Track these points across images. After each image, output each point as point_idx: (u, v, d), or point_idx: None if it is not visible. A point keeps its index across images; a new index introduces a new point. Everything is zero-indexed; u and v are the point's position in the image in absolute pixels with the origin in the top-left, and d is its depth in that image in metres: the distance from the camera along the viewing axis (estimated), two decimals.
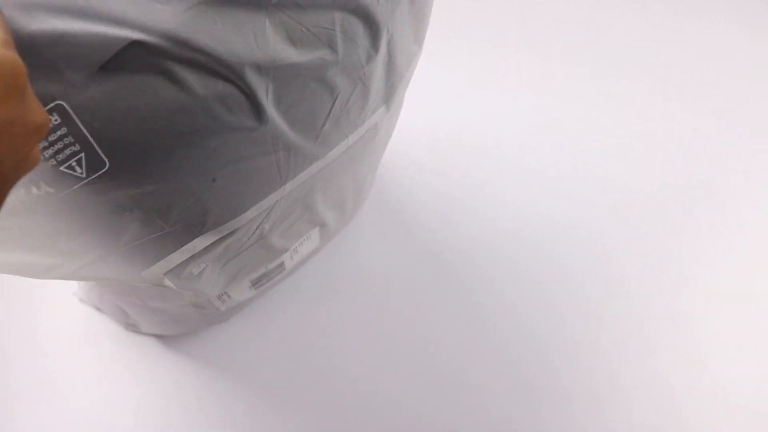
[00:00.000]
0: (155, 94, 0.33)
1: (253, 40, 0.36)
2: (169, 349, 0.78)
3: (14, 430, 0.71)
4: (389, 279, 0.82)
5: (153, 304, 0.64)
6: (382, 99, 0.48)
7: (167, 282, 0.46)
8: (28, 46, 0.27)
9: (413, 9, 0.46)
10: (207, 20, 0.34)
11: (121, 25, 0.30)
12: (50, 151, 0.31)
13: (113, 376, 0.75)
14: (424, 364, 0.77)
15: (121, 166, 0.34)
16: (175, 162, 0.36)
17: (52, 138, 0.31)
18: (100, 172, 0.34)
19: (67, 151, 0.32)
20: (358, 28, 0.40)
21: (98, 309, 0.77)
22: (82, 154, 0.32)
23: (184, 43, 0.33)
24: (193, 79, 0.34)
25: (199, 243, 0.44)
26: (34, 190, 0.33)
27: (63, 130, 0.31)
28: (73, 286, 0.77)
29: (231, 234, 0.45)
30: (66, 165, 0.32)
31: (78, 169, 0.33)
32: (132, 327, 0.76)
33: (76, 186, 0.33)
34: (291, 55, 0.38)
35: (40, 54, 0.28)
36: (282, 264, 0.63)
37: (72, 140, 0.31)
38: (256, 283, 0.64)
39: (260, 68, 0.37)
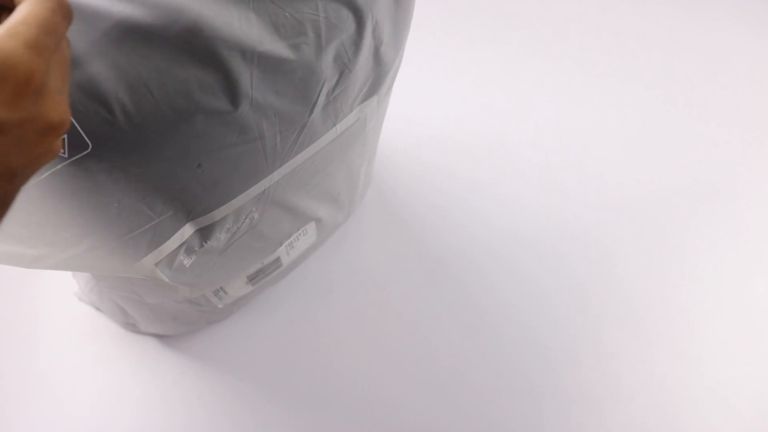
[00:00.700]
0: (138, 77, 0.34)
1: (237, 26, 0.37)
2: (169, 348, 0.78)
3: (14, 430, 0.71)
4: (389, 277, 0.82)
5: (150, 300, 0.64)
6: (371, 88, 0.48)
7: (159, 273, 0.46)
8: None
9: None
10: (191, 3, 0.34)
11: (106, 3, 0.31)
12: None
13: (113, 375, 0.75)
14: (423, 362, 0.77)
15: (105, 149, 0.35)
16: (159, 146, 0.37)
17: None
18: (83, 153, 0.34)
19: None
20: (343, 15, 0.41)
21: (98, 308, 0.77)
22: (65, 134, 0.33)
23: (168, 26, 0.33)
24: (176, 62, 0.35)
25: (188, 230, 0.44)
26: None
27: None
28: (73, 285, 0.78)
29: (220, 222, 0.46)
30: None
31: (60, 148, 0.33)
32: (131, 326, 0.76)
33: (59, 166, 0.33)
34: (275, 41, 0.39)
35: None
36: (278, 259, 0.63)
37: None
38: (252, 279, 0.64)
39: (244, 54, 0.37)
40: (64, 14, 0.24)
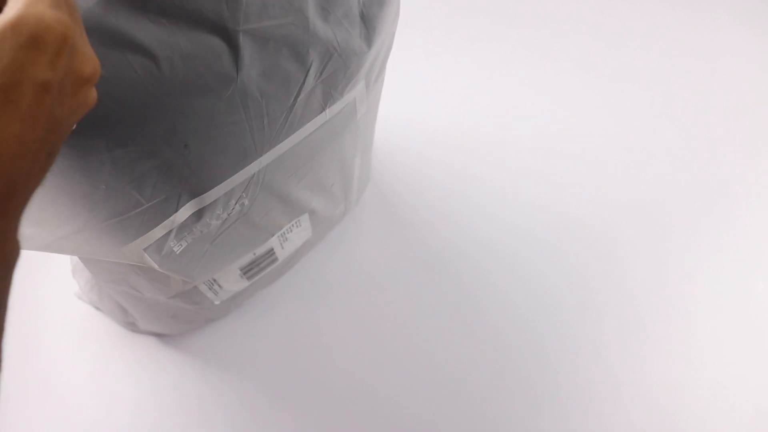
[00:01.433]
0: (121, 52, 0.34)
1: (224, 2, 0.37)
2: (169, 348, 0.78)
3: (13, 429, 0.72)
4: (388, 275, 0.82)
5: (147, 294, 0.64)
6: (361, 73, 0.49)
7: (147, 259, 0.46)
8: None
9: None
10: None
11: None
12: None
13: (113, 374, 0.75)
14: (423, 361, 0.76)
15: (89, 125, 0.35)
16: (144, 124, 0.37)
17: None
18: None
19: None
20: None
21: (98, 308, 0.78)
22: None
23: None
24: (159, 37, 0.35)
25: (178, 217, 0.44)
26: None
27: None
28: (73, 285, 0.78)
29: (209, 207, 0.46)
30: None
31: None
32: (131, 325, 0.77)
33: None
34: (262, 18, 0.39)
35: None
36: (272, 251, 0.63)
37: None
38: (247, 272, 0.64)
39: (229, 30, 0.38)
40: None
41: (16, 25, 0.22)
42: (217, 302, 0.69)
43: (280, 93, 0.43)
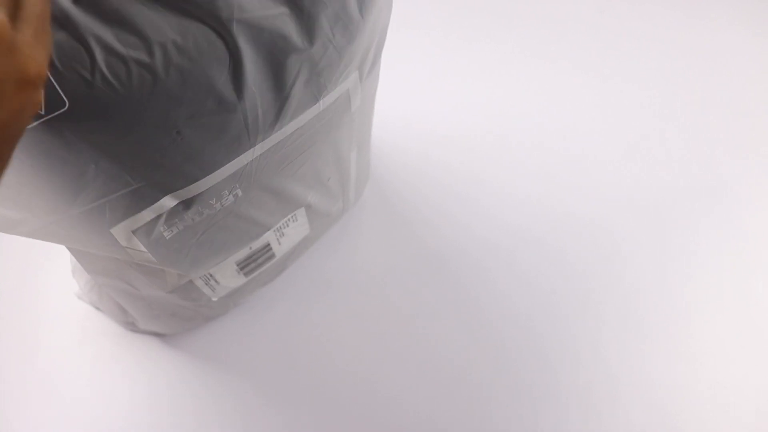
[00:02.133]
0: (114, 34, 0.35)
1: None
2: (168, 347, 0.78)
3: (13, 429, 0.72)
4: (388, 274, 0.82)
5: (144, 291, 0.64)
6: (355, 64, 0.49)
7: (136, 242, 0.47)
8: None
9: None
10: None
11: None
12: None
13: (112, 374, 0.76)
14: (423, 360, 0.76)
15: (82, 110, 0.36)
16: (136, 110, 0.38)
17: None
18: (60, 111, 0.35)
19: None
20: None
21: (97, 308, 0.78)
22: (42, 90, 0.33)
23: None
24: (153, 21, 0.36)
25: (168, 202, 0.44)
26: None
27: None
28: (73, 285, 0.78)
29: (201, 196, 0.46)
30: None
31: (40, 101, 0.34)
32: (131, 325, 0.77)
33: (35, 123, 0.34)
34: (255, 8, 0.40)
35: None
36: (268, 246, 0.63)
37: None
38: (243, 267, 0.64)
39: (223, 19, 0.38)
40: None
41: None
42: (214, 299, 0.70)
43: (275, 83, 0.43)
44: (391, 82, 0.91)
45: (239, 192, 0.49)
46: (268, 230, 0.59)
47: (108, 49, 0.35)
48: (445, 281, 0.82)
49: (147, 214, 0.44)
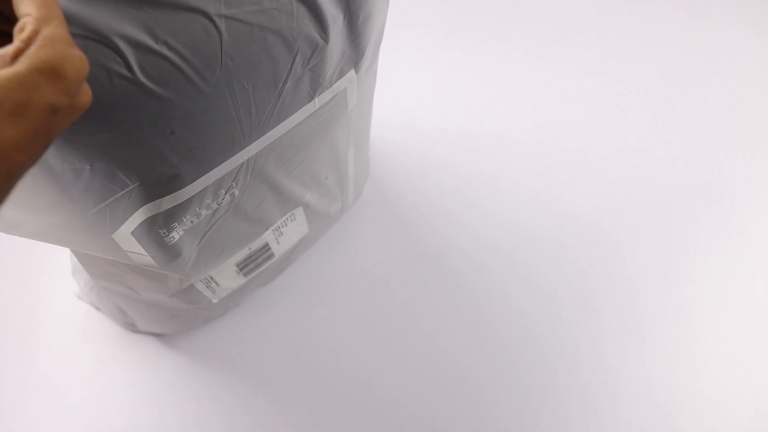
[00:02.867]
0: (106, 40, 0.35)
1: None
2: (168, 348, 0.78)
3: (12, 429, 0.72)
4: (388, 274, 0.82)
5: (144, 295, 0.64)
6: (350, 61, 0.49)
7: (136, 245, 0.46)
8: None
9: None
10: None
11: None
12: None
13: (112, 374, 0.76)
14: (423, 360, 0.76)
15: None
16: (129, 110, 0.37)
17: None
18: None
19: None
20: None
21: (97, 308, 0.78)
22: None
23: None
24: (143, 22, 0.36)
25: (165, 203, 0.44)
26: None
27: None
28: (73, 285, 0.78)
29: (198, 196, 0.46)
30: None
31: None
32: (130, 326, 0.77)
33: None
34: (244, 3, 0.39)
35: None
36: (267, 246, 0.63)
37: None
38: (243, 268, 0.64)
39: (210, 15, 0.38)
40: None
41: (41, 54, 0.25)
42: (215, 300, 0.69)
43: (267, 80, 0.43)
44: (391, 80, 0.91)
45: (236, 191, 0.49)
46: (267, 230, 0.59)
47: (100, 52, 0.35)
48: (445, 280, 0.82)
49: (145, 216, 0.44)
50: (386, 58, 0.75)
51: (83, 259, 0.61)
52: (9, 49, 0.25)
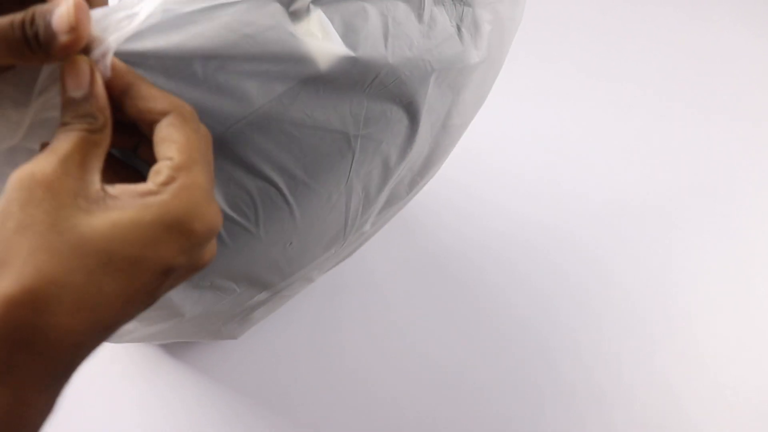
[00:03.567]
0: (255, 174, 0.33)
1: (348, 114, 0.36)
2: (168, 355, 0.75)
3: None
4: (389, 277, 0.81)
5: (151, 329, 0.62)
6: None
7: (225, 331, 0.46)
8: None
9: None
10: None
11: None
12: None
13: (111, 379, 0.72)
14: (424, 362, 0.76)
15: None
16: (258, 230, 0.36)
17: None
18: None
19: None
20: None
21: None
22: None
23: None
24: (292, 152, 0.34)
25: (261, 295, 0.43)
26: None
27: None
28: None
29: (286, 283, 0.45)
30: None
31: None
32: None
33: None
34: (367, 127, 0.39)
35: None
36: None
37: None
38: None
39: (349, 135, 0.37)
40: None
41: (171, 205, 0.21)
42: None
43: (375, 188, 0.43)
44: None
45: (314, 273, 0.49)
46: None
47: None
48: (445, 282, 0.81)
49: (239, 309, 0.43)
50: None
51: None
52: (139, 188, 0.22)
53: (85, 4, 0.22)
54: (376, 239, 0.82)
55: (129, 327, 0.40)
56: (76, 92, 0.22)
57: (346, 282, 0.79)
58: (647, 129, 0.97)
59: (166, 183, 0.22)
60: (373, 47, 0.32)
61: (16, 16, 0.22)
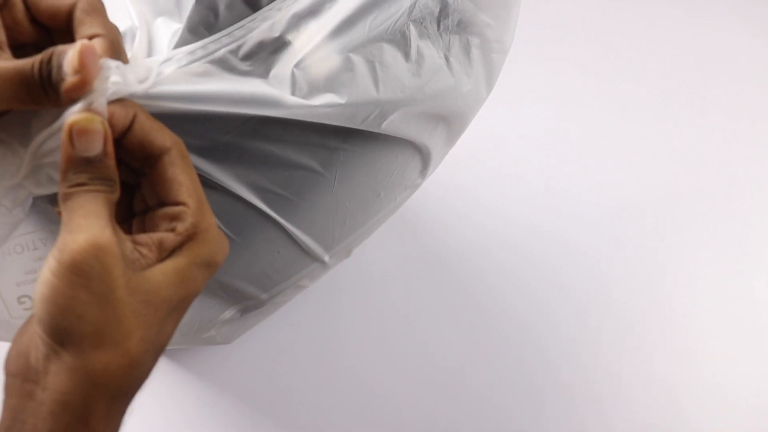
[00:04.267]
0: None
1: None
2: (167, 360, 0.76)
3: None
4: (390, 277, 0.82)
5: None
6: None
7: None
8: None
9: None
10: None
11: None
12: None
13: None
14: (424, 363, 0.77)
15: None
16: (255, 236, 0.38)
17: None
18: None
19: None
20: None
21: None
22: None
23: None
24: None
25: (251, 306, 0.45)
26: None
27: None
28: None
29: (278, 290, 0.47)
30: None
31: None
32: None
33: None
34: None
35: None
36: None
37: None
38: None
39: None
40: None
41: (202, 250, 0.25)
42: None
43: (366, 197, 0.44)
44: None
45: (306, 282, 0.50)
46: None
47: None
48: (445, 283, 0.82)
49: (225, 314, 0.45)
50: None
51: None
52: (167, 242, 0.24)
53: (94, 48, 0.23)
54: (375, 239, 0.82)
55: None
56: (89, 153, 0.23)
57: (345, 282, 0.80)
58: (646, 129, 0.96)
59: (190, 233, 0.25)
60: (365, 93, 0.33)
61: (37, 57, 0.23)
